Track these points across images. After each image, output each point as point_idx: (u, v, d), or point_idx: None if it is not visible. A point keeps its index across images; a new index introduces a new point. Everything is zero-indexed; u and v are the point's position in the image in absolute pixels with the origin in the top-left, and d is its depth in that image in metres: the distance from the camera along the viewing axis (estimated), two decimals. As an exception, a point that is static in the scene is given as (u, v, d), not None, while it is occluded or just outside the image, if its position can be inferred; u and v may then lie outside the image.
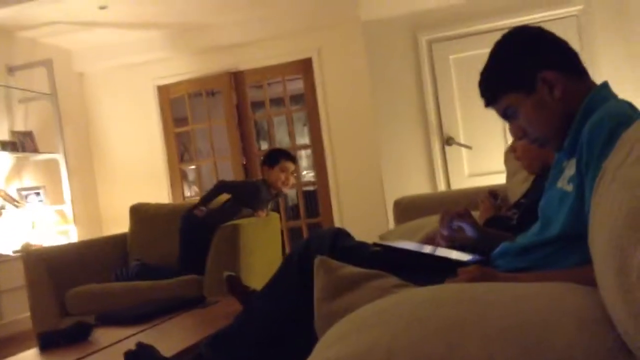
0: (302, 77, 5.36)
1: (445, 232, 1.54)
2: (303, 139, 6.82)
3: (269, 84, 5.64)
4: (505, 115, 1.31)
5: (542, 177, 1.91)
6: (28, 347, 2.10)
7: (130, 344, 1.69)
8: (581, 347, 0.67)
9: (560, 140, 1.24)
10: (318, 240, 1.55)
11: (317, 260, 1.28)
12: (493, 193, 2.41)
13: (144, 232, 3.65)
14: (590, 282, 0.78)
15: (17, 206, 4.49)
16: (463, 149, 4.24)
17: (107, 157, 5.70)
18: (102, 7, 4.53)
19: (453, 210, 1.54)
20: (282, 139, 6.79)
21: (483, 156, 4.17)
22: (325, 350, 0.81)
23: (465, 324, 0.74)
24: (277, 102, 6.04)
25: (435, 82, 4.30)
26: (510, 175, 2.67)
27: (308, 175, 7.24)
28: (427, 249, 1.52)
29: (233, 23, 5.21)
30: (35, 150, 4.73)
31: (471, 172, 4.22)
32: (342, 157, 5.17)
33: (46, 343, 1.99)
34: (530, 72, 1.23)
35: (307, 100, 5.36)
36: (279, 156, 3.56)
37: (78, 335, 2.02)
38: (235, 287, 2.18)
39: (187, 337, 1.92)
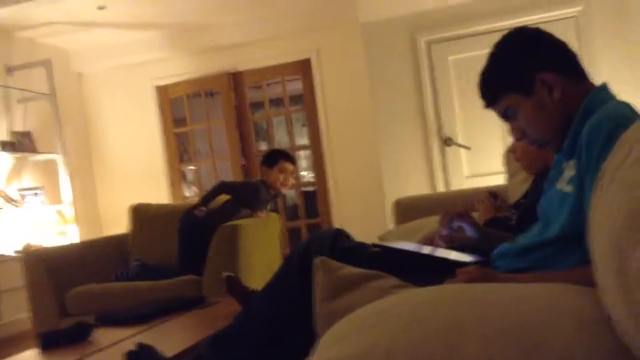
0: (301, 77, 5.37)
1: (444, 232, 1.55)
2: (302, 139, 6.82)
3: (268, 85, 5.64)
4: (505, 116, 1.31)
5: (541, 177, 1.92)
6: (28, 347, 2.10)
7: (131, 344, 1.69)
8: (581, 347, 0.68)
9: (559, 141, 1.24)
10: (318, 241, 1.55)
11: (317, 260, 1.29)
12: (492, 193, 2.42)
13: (143, 233, 3.65)
14: (589, 282, 0.78)
15: (16, 206, 4.49)
16: (462, 150, 4.24)
17: (107, 157, 5.69)
18: (101, 8, 4.53)
19: (453, 210, 1.55)
20: (281, 140, 6.78)
21: (482, 157, 4.17)
22: (325, 351, 0.81)
23: (465, 325, 0.74)
24: (276, 102, 6.04)
25: (434, 83, 4.31)
26: (510, 176, 2.68)
27: (307, 175, 7.23)
28: (427, 249, 1.53)
29: (232, 23, 5.21)
30: (34, 151, 4.73)
31: (470, 173, 4.22)
32: (341, 157, 5.17)
33: (46, 343, 1.99)
34: (529, 74, 1.23)
35: (306, 101, 5.36)
36: (278, 157, 3.56)
37: (78, 336, 2.02)
38: (235, 287, 2.18)
39: (187, 338, 1.92)
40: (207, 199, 3.52)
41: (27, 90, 4.75)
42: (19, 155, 4.59)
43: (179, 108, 5.63)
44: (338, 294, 1.22)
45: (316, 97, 5.22)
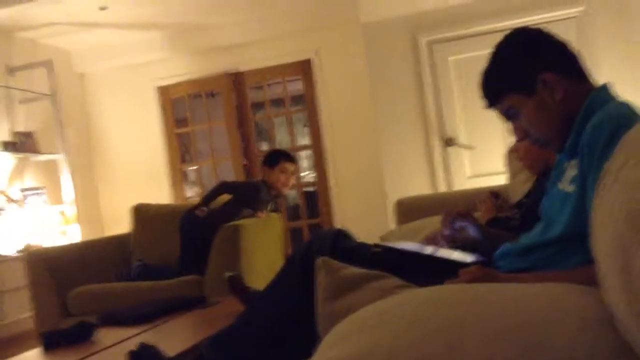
0: (302, 78, 5.37)
1: (447, 232, 1.55)
2: (303, 139, 6.82)
3: (269, 85, 5.64)
4: (506, 116, 1.31)
5: (543, 177, 1.92)
6: (30, 347, 2.10)
7: (133, 344, 1.69)
8: (583, 347, 0.68)
9: (561, 141, 1.24)
10: (319, 241, 1.55)
11: (320, 260, 1.29)
12: (494, 194, 2.42)
13: (145, 233, 3.66)
14: (592, 282, 0.78)
15: (18, 207, 4.49)
16: (464, 150, 4.24)
17: (108, 157, 5.70)
18: (102, 8, 4.54)
19: (455, 210, 1.55)
20: (282, 140, 6.79)
21: (484, 157, 4.17)
22: (327, 351, 0.82)
23: (466, 325, 0.74)
24: (277, 102, 6.04)
25: (436, 83, 4.31)
26: (511, 176, 2.68)
27: (309, 176, 7.24)
28: (429, 249, 1.53)
29: (234, 24, 5.22)
30: (36, 151, 4.73)
31: (472, 173, 4.22)
32: (342, 157, 5.17)
33: (49, 343, 2.00)
34: (530, 74, 1.23)
35: (307, 101, 5.36)
36: (279, 157, 3.56)
37: (80, 335, 2.02)
38: (237, 287, 2.18)
39: (189, 337, 1.92)
40: (208, 199, 3.52)
41: (29, 91, 4.76)
42: (21, 155, 4.60)
43: (180, 108, 5.63)
44: (340, 294, 1.23)
45: (317, 97, 5.22)
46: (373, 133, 4.54)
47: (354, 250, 1.53)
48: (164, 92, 5.59)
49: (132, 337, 1.96)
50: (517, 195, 2.33)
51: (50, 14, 4.55)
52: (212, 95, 6.33)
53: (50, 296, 3.19)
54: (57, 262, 3.29)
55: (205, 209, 3.42)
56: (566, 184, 1.22)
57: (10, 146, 4.49)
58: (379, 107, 4.39)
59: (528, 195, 2.11)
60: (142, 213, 3.76)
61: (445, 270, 1.31)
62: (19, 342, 3.70)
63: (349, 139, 5.12)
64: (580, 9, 4.01)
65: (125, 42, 5.43)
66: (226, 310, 2.19)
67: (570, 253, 1.17)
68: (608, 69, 3.83)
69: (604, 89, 1.24)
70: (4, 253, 4.18)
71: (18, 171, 4.72)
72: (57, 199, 4.88)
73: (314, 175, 5.81)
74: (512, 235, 1.51)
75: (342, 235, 1.58)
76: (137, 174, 5.58)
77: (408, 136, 4.33)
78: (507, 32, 1.32)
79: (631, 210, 0.62)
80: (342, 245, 1.53)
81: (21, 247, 4.31)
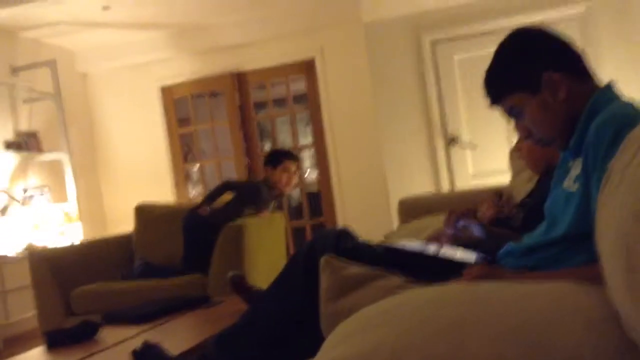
0: (304, 77, 5.37)
1: (450, 232, 1.54)
2: (306, 139, 6.82)
3: (271, 85, 5.64)
4: (510, 115, 1.31)
5: (547, 176, 1.91)
6: (34, 346, 2.11)
7: (136, 343, 1.70)
8: (589, 346, 0.67)
9: (564, 140, 1.24)
10: (322, 241, 1.55)
11: (323, 260, 1.29)
12: (498, 193, 2.42)
13: (148, 232, 3.66)
14: (597, 280, 0.78)
15: (22, 206, 4.50)
16: (467, 149, 4.24)
17: (111, 157, 5.71)
18: (105, 8, 4.55)
19: (458, 210, 1.54)
20: (285, 139, 6.79)
21: (487, 156, 4.17)
22: (330, 350, 0.81)
23: (470, 324, 0.74)
24: (280, 102, 6.05)
25: (439, 82, 4.30)
26: (514, 175, 2.68)
27: (311, 175, 7.23)
28: (432, 248, 1.53)
29: (236, 24, 5.22)
30: (40, 150, 4.74)
31: (475, 172, 4.22)
32: (345, 157, 5.17)
33: (53, 342, 2.00)
34: (534, 73, 1.23)
35: (309, 101, 5.36)
36: (282, 157, 3.56)
37: (84, 334, 2.03)
38: (240, 286, 2.19)
39: (192, 336, 1.93)
40: (210, 198, 3.52)
41: (33, 91, 4.77)
42: (24, 154, 4.61)
43: (183, 108, 5.64)
44: (343, 294, 1.23)
45: (320, 96, 5.22)
46: (376, 132, 4.54)
47: (357, 250, 1.53)
48: (167, 92, 5.60)
49: (135, 336, 1.96)
50: (519, 195, 2.33)
51: (53, 14, 4.56)
52: (215, 95, 6.33)
53: (53, 295, 3.20)
54: (60, 262, 3.30)
55: (207, 208, 3.42)
56: (570, 183, 1.21)
57: (14, 145, 4.50)
58: (381, 107, 4.38)
59: (531, 194, 2.10)
60: (145, 212, 3.76)
61: (449, 270, 1.30)
62: (23, 341, 3.71)
63: (351, 138, 5.12)
64: (584, 8, 4.00)
65: (128, 42, 5.44)
66: (229, 310, 2.19)
67: (574, 252, 1.17)
68: (611, 69, 3.82)
69: (609, 88, 1.24)
70: (7, 252, 4.19)
71: (21, 170, 4.73)
72: (60, 198, 4.89)
73: (316, 174, 5.81)
74: (516, 234, 1.50)
75: (345, 235, 1.58)
76: (140, 173, 5.59)
77: (411, 135, 4.33)
78: (511, 30, 1.31)
79: (637, 210, 0.62)
80: (345, 245, 1.53)
81: (25, 246, 4.32)
